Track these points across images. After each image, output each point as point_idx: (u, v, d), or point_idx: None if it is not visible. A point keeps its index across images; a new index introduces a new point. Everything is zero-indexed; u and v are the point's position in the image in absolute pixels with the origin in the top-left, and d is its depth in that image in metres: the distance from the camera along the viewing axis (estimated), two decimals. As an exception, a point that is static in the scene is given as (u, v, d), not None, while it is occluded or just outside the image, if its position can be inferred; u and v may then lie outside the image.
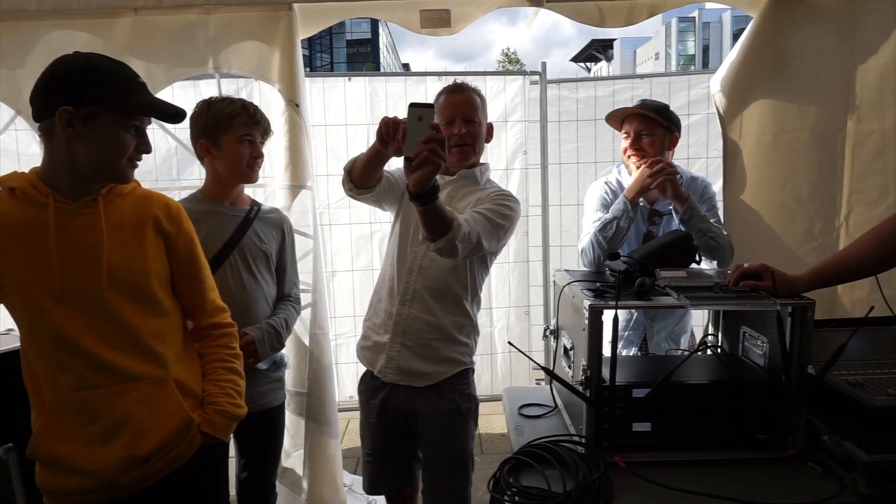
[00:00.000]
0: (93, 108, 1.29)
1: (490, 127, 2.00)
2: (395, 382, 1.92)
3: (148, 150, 1.40)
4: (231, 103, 1.91)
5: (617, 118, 2.27)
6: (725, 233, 2.18)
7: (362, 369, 2.07)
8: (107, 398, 1.36)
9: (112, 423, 1.36)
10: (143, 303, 1.40)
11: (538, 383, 3.62)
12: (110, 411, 1.36)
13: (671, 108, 2.23)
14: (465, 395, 1.94)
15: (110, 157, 1.34)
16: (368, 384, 2.01)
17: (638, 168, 2.15)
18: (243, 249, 1.93)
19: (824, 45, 2.30)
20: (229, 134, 1.89)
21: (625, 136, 2.25)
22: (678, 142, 2.24)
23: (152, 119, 1.42)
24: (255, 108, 1.95)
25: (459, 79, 2.07)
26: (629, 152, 2.22)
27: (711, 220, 2.15)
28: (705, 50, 50.92)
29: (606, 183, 2.35)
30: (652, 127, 2.18)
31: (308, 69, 2.37)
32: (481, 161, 2.03)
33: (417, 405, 1.91)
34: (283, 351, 2.09)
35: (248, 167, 1.93)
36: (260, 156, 1.95)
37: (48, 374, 1.35)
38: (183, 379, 1.46)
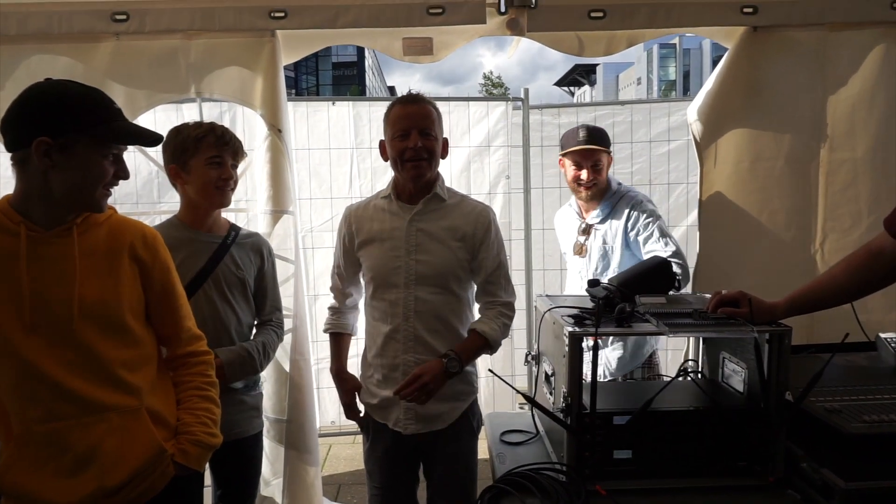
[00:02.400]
0: (70, 137, 1.27)
1: (445, 142, 1.92)
2: (417, 432, 1.87)
3: (126, 176, 1.38)
4: (199, 126, 1.89)
5: (566, 152, 2.49)
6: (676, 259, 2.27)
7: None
8: (76, 429, 1.33)
9: (82, 454, 1.33)
10: (114, 333, 1.38)
11: (521, 408, 3.60)
12: (80, 442, 1.33)
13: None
14: (476, 414, 1.99)
15: (88, 185, 1.32)
16: (372, 418, 1.98)
17: (584, 196, 2.48)
18: (218, 277, 1.89)
19: (797, 76, 2.36)
20: (197, 157, 1.85)
21: (574, 166, 2.48)
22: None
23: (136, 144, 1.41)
24: (224, 129, 1.90)
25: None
26: (581, 183, 2.47)
27: (658, 240, 2.34)
28: (686, 76, 51.97)
29: (562, 220, 2.72)
30: (600, 158, 2.45)
31: (294, 91, 2.38)
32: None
33: (435, 434, 1.89)
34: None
35: (218, 189, 1.88)
36: (230, 177, 1.90)
37: (16, 405, 1.32)
38: (156, 408, 1.43)
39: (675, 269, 2.22)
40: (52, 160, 1.27)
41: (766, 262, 2.40)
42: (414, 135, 1.81)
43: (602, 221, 2.49)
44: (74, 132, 1.28)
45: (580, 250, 2.52)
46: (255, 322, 2.04)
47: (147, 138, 1.39)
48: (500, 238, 1.96)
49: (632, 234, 2.42)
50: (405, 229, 1.87)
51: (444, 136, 1.92)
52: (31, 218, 1.32)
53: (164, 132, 3.13)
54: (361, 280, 2.02)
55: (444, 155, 1.92)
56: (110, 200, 1.47)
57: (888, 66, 2.32)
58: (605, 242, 2.46)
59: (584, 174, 2.45)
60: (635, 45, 2.56)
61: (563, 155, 2.51)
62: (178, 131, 1.89)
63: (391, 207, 1.92)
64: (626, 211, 2.43)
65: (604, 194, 2.50)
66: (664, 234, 2.38)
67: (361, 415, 2.03)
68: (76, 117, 1.28)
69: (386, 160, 1.92)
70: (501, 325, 1.91)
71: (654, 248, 2.34)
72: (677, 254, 2.32)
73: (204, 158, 1.85)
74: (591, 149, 2.42)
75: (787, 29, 2.34)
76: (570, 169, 2.49)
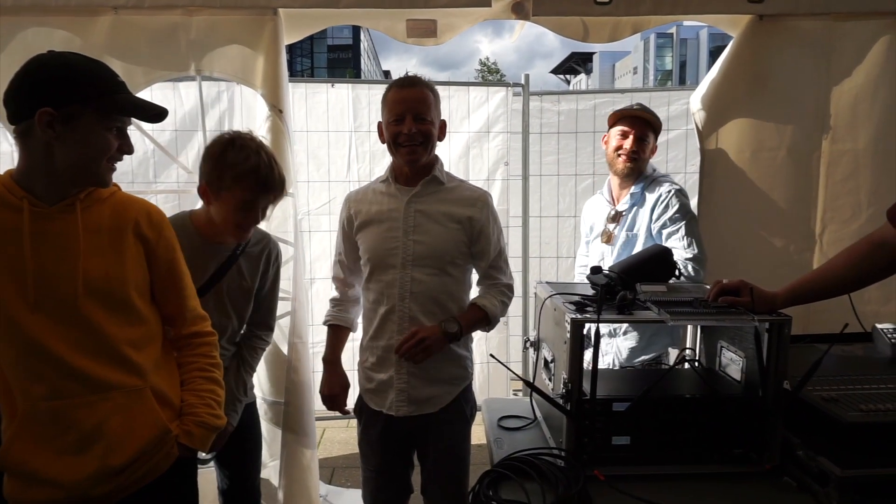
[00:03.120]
0: (74, 108, 1.25)
1: (443, 124, 1.90)
2: (408, 415, 1.88)
3: (130, 150, 1.37)
4: (245, 160, 1.70)
5: (618, 116, 2.37)
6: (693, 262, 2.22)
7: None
8: (81, 408, 1.32)
9: (86, 433, 1.32)
10: (119, 311, 1.36)
11: (515, 394, 3.63)
12: (84, 421, 1.32)
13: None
14: (470, 402, 1.99)
15: (91, 158, 1.30)
16: (367, 405, 1.98)
17: (621, 168, 2.34)
18: (220, 289, 1.81)
19: (801, 66, 2.36)
20: (232, 193, 1.71)
21: (620, 135, 2.34)
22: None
23: (131, 120, 1.39)
24: (270, 171, 1.73)
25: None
26: (622, 152, 2.33)
27: (682, 238, 2.24)
28: (682, 66, 51.88)
29: (590, 208, 2.57)
30: (648, 133, 2.32)
31: (288, 73, 2.34)
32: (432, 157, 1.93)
33: (427, 419, 1.90)
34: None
35: (238, 228, 1.76)
36: (256, 222, 1.78)
37: (20, 383, 1.31)
38: (161, 388, 1.42)
39: (690, 272, 2.19)
40: (56, 131, 1.25)
41: (766, 251, 2.41)
42: (408, 119, 1.80)
43: (630, 208, 2.37)
44: (78, 103, 1.26)
45: (609, 239, 2.41)
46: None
47: (151, 111, 1.37)
48: (499, 224, 1.97)
49: (655, 226, 2.28)
50: (403, 210, 1.87)
51: (443, 118, 1.92)
52: (34, 193, 1.30)
53: (164, 107, 3.11)
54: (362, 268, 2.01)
55: (441, 137, 1.91)
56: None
57: (892, 58, 2.32)
58: (629, 230, 2.36)
59: (628, 142, 2.31)
60: (641, 32, 2.54)
61: (612, 123, 2.39)
62: (225, 151, 1.72)
63: (389, 190, 1.92)
64: (655, 196, 2.29)
65: (638, 178, 2.37)
66: (691, 233, 2.23)
67: (351, 407, 2.04)
68: (80, 88, 1.26)
69: (384, 143, 1.92)
70: (500, 303, 1.93)
71: (675, 246, 2.21)
72: (697, 259, 2.21)
73: (237, 198, 1.71)
74: (643, 118, 2.31)
75: (792, 18, 2.33)
76: (615, 139, 2.35)
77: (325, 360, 2.04)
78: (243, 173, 1.70)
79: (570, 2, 2.27)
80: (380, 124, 1.93)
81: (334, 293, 2.08)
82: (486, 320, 1.90)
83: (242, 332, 1.96)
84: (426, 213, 1.87)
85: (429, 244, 1.85)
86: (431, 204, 1.88)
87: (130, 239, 1.39)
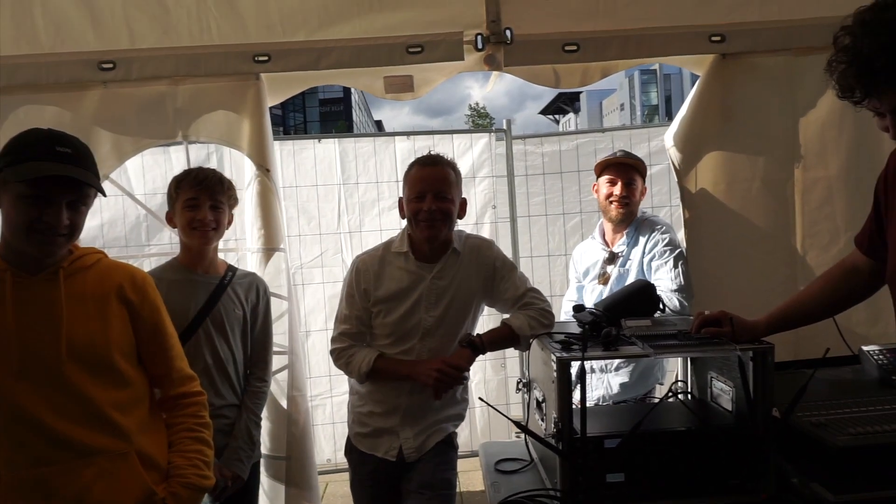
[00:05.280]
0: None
1: (463, 202, 1.98)
2: (405, 460, 1.90)
3: (52, 222, 1.29)
4: (184, 172, 2.00)
5: (603, 165, 2.51)
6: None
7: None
8: (65, 474, 1.32)
9: (69, 500, 1.32)
10: (103, 374, 1.38)
11: (517, 436, 3.58)
12: (67, 488, 1.32)
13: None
14: (455, 432, 2.04)
15: (11, 228, 1.32)
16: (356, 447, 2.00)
17: (615, 214, 2.45)
18: (218, 316, 1.95)
19: (767, 99, 2.43)
20: (179, 201, 1.95)
21: (609, 183, 2.47)
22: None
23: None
24: (206, 172, 1.99)
25: (433, 148, 2.09)
26: (613, 199, 2.45)
27: (670, 270, 2.31)
28: (668, 100, 52.83)
29: (582, 253, 2.65)
30: (635, 177, 2.44)
31: (282, 128, 2.42)
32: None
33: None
34: None
35: (194, 230, 1.94)
36: (204, 218, 1.93)
37: (4, 451, 1.31)
38: (147, 451, 1.42)
39: (676, 304, 2.26)
40: None
41: (749, 281, 2.43)
42: (429, 198, 1.85)
43: (626, 248, 2.49)
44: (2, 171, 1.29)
45: (606, 280, 2.49)
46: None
47: (65, 179, 1.29)
48: (508, 262, 2.03)
49: (646, 259, 2.40)
50: (426, 288, 1.91)
51: (463, 196, 1.98)
52: (15, 263, 1.34)
53: (152, 175, 3.17)
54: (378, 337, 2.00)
55: (461, 215, 1.97)
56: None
57: (854, 87, 2.39)
58: (622, 266, 2.46)
59: (617, 188, 2.44)
60: (612, 74, 2.63)
61: (599, 173, 2.52)
62: (173, 181, 2.00)
63: (408, 266, 1.94)
64: (647, 235, 2.43)
65: (631, 221, 2.49)
66: (678, 265, 2.35)
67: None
68: (4, 156, 1.31)
69: (403, 217, 1.97)
70: (530, 319, 1.87)
71: (662, 278, 2.31)
72: (683, 289, 2.30)
73: (182, 202, 1.95)
74: (627, 164, 2.45)
75: (754, 55, 2.41)
76: (604, 186, 2.48)
77: (407, 371, 1.88)
78: (181, 179, 1.98)
79: (540, 51, 2.34)
80: (400, 200, 1.98)
81: (348, 353, 1.96)
82: (513, 336, 1.87)
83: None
84: (447, 288, 1.93)
85: (449, 318, 1.93)
86: (451, 278, 1.94)
87: (114, 303, 1.42)
